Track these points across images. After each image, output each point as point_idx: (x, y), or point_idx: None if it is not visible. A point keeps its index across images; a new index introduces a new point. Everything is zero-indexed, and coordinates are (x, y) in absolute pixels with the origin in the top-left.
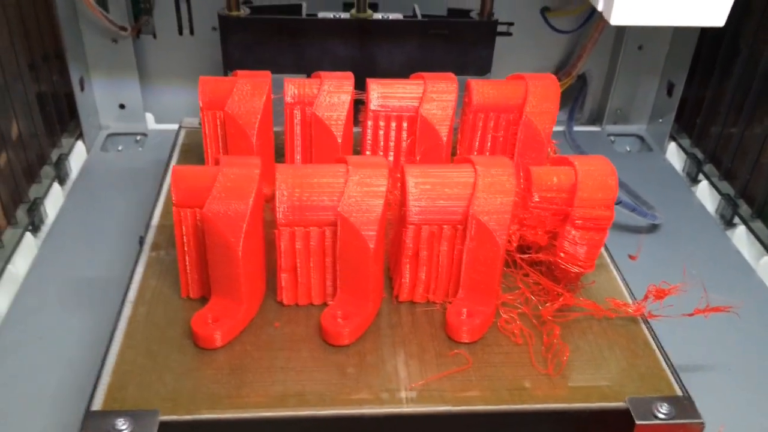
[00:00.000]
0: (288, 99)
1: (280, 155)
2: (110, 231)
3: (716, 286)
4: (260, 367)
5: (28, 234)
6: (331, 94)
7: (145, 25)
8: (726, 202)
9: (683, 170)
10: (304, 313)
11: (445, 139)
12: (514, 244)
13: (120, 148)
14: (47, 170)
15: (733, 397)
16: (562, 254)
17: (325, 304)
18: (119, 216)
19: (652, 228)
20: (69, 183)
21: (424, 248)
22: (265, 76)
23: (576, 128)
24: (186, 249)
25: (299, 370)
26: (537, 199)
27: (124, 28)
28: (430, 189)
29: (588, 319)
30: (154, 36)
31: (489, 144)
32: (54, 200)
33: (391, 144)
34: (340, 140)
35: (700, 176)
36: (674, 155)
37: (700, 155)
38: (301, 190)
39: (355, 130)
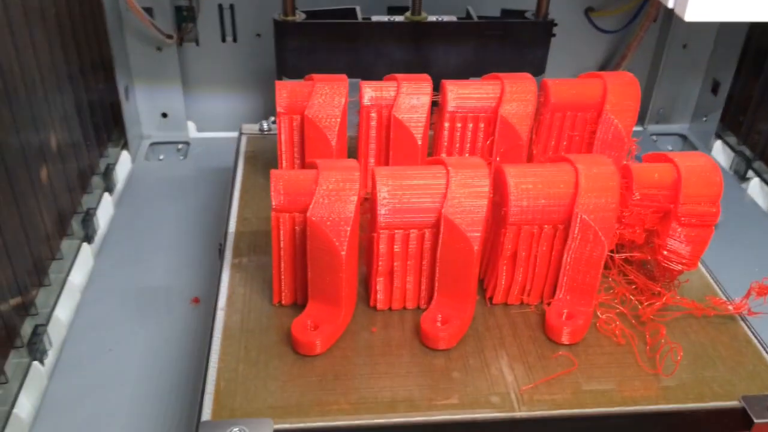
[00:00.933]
0: (365, 102)
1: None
2: (161, 240)
3: None
4: (364, 372)
5: (84, 245)
6: (410, 96)
7: (187, 33)
8: None
9: (731, 168)
10: (398, 318)
11: (525, 139)
12: (614, 245)
13: (161, 157)
14: (96, 180)
15: None
16: (665, 252)
17: (418, 309)
18: (168, 225)
19: None
20: (116, 193)
21: (522, 249)
22: (341, 80)
23: None
24: (282, 254)
25: (404, 375)
26: (638, 197)
27: (170, 36)
28: (532, 188)
29: (686, 317)
30: (197, 43)
31: (565, 143)
32: (105, 211)
33: (467, 146)
34: (420, 142)
35: (750, 173)
36: (720, 153)
37: (748, 153)
38: (402, 192)
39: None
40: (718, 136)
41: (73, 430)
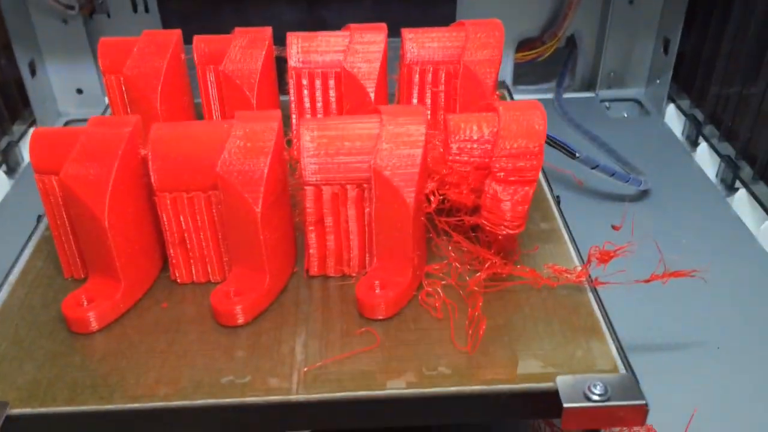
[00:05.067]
0: (197, 58)
1: None
2: None
3: (714, 254)
4: (137, 352)
5: None
6: (243, 49)
7: (98, 4)
8: (726, 165)
9: (683, 134)
10: (200, 293)
11: (372, 96)
12: (433, 206)
13: None
14: None
15: (718, 378)
16: (485, 213)
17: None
18: None
19: (643, 195)
20: (19, 171)
21: (328, 213)
22: (172, 34)
23: (567, 95)
24: (58, 223)
25: (180, 355)
26: (455, 151)
27: (70, 7)
28: (328, 143)
29: (527, 290)
30: (108, 15)
31: (429, 100)
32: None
33: (319, 106)
34: (254, 101)
35: (700, 139)
36: (674, 118)
37: (699, 116)
38: (178, 150)
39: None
40: (671, 100)
41: None
